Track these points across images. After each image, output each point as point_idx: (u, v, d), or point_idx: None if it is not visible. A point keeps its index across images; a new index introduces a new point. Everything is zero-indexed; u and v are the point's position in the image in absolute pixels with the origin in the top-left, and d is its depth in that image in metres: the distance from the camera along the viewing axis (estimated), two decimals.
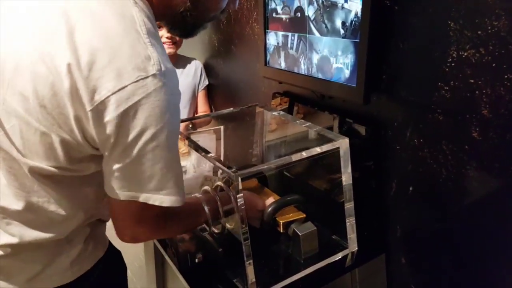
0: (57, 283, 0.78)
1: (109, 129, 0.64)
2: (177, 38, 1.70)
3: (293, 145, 1.24)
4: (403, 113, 0.99)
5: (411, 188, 1.02)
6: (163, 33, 1.66)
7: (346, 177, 1.02)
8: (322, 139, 1.07)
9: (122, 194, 0.70)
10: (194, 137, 1.51)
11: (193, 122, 1.63)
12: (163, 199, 0.71)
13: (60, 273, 0.78)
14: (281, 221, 1.03)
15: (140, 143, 0.66)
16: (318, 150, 0.99)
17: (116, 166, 0.68)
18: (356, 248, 1.08)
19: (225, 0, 0.79)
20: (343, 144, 1.01)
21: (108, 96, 0.62)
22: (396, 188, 1.07)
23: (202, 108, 1.85)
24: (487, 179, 0.85)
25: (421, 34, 0.90)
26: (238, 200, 0.88)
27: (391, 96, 1.01)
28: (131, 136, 0.65)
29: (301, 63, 1.15)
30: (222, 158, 1.54)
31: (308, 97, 1.27)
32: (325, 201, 1.17)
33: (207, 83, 1.84)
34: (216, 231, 1.09)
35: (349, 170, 1.02)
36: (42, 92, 0.64)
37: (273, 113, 1.27)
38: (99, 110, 0.63)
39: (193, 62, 1.83)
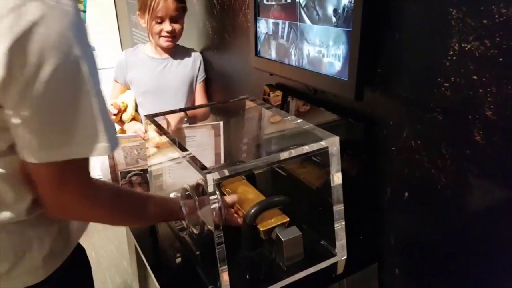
0: (29, 282, 0.73)
1: None
2: (176, 31, 1.61)
3: (282, 142, 1.16)
4: (399, 111, 0.89)
5: (406, 194, 0.93)
6: (164, 27, 1.58)
7: (336, 178, 0.94)
8: (311, 137, 0.98)
9: (36, 155, 0.61)
10: (190, 132, 1.45)
11: (189, 115, 1.56)
12: (86, 149, 0.63)
13: (32, 271, 0.73)
14: (261, 229, 0.95)
15: (38, 83, 0.56)
16: (305, 149, 0.91)
17: (20, 119, 0.59)
18: (345, 256, 0.99)
19: None
20: (332, 143, 0.92)
21: None
22: (390, 193, 0.98)
23: (200, 102, 1.75)
24: (489, 188, 0.75)
25: (420, 24, 0.80)
26: (211, 202, 0.81)
27: (386, 92, 0.91)
28: (26, 75, 0.56)
29: (291, 54, 1.06)
30: (222, 155, 1.46)
31: (301, 90, 1.18)
32: (313, 203, 1.09)
33: (205, 75, 1.75)
34: (195, 231, 1.02)
35: (339, 170, 0.94)
36: None
37: (263, 107, 1.18)
38: None
39: (192, 54, 1.74)
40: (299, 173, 1.13)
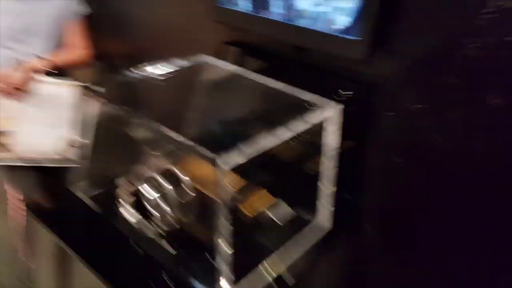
0: None
1: None
2: None
3: (262, 113, 0.99)
4: (404, 73, 0.83)
5: (400, 159, 0.89)
6: None
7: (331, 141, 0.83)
8: (301, 105, 0.85)
9: None
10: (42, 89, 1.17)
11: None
12: None
13: None
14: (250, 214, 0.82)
15: None
16: (306, 124, 0.77)
17: None
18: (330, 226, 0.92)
19: None
20: (334, 113, 0.81)
21: None
22: (381, 158, 0.92)
23: (72, 43, 1.44)
24: (506, 157, 0.73)
25: None
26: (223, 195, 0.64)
27: (391, 52, 0.83)
28: None
29: (271, 5, 0.89)
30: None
31: (269, 49, 1.03)
32: (296, 170, 0.97)
33: (82, 10, 1.44)
34: (166, 228, 0.83)
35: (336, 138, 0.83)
36: None
37: (226, 68, 1.00)
38: None
39: None
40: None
